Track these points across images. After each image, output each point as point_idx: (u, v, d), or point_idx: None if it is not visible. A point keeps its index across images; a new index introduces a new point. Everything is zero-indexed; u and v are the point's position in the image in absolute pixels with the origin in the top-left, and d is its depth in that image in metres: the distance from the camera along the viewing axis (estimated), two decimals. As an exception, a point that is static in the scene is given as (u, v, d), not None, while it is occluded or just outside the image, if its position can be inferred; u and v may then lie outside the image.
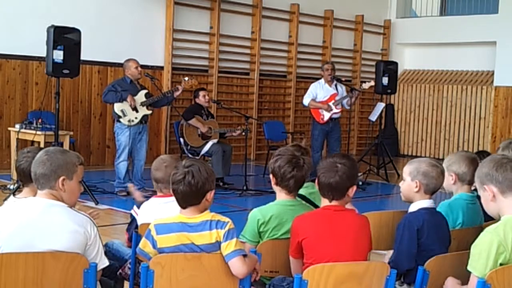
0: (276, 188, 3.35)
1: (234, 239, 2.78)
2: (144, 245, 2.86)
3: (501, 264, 2.69)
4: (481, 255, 2.70)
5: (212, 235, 2.78)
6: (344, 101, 9.71)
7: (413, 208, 3.37)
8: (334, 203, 3.07)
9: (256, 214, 3.27)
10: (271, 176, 3.35)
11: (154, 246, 2.83)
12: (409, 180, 3.38)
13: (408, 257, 3.22)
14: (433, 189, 3.39)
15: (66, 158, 2.90)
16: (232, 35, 11.83)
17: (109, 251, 3.74)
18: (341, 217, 3.05)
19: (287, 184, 3.27)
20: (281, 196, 3.33)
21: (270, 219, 3.24)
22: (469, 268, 2.75)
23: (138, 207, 3.63)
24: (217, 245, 2.79)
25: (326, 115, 9.55)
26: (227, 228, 2.79)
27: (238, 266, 2.76)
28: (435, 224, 3.30)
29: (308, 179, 3.54)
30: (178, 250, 2.80)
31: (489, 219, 3.60)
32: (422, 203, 3.34)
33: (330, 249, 2.98)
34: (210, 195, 2.84)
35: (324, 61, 12.31)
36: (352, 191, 3.07)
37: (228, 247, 2.76)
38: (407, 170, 3.41)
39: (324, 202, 3.10)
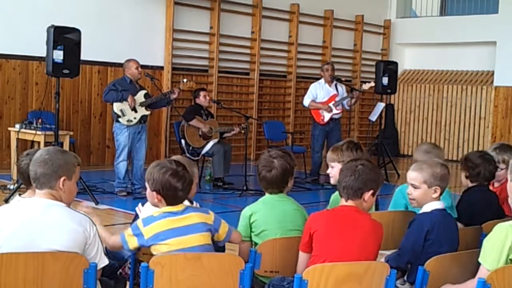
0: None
1: (223, 222, 3.20)
2: (130, 240, 3.06)
3: (511, 260, 2.70)
4: (494, 248, 2.72)
5: (198, 216, 3.09)
6: (345, 102, 9.68)
7: (426, 209, 3.36)
8: (350, 203, 3.13)
9: (246, 210, 3.45)
10: None
11: (141, 240, 3.02)
12: (425, 187, 3.34)
13: (411, 252, 3.24)
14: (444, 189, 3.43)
15: (66, 158, 2.91)
16: (232, 35, 11.83)
17: (110, 251, 3.73)
18: (353, 218, 3.09)
19: (261, 184, 3.50)
20: (267, 192, 3.54)
21: (258, 211, 3.42)
22: (480, 260, 2.78)
23: (143, 205, 3.62)
24: (201, 226, 3.06)
25: (327, 116, 9.51)
26: (212, 214, 3.15)
27: (236, 237, 3.29)
28: (446, 225, 3.31)
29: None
30: (166, 235, 3.00)
31: (495, 217, 3.62)
32: (435, 204, 3.34)
33: (336, 246, 3.02)
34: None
35: (324, 61, 12.30)
36: (368, 195, 3.10)
37: (222, 228, 3.17)
38: (421, 178, 3.35)
39: (342, 202, 3.18)
